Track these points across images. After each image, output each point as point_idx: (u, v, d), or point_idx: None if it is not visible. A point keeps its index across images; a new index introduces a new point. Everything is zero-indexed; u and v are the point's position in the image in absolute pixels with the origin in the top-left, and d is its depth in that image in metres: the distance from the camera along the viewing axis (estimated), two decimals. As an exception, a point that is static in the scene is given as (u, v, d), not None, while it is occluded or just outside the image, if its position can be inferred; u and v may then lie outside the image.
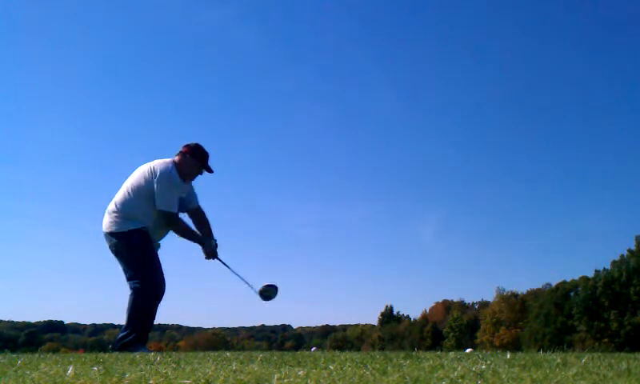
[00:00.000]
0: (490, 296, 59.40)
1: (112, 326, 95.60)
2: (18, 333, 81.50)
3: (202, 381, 1.27)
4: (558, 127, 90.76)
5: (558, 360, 1.93)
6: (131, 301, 4.15)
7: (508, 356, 2.14)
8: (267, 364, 1.73)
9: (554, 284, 45.56)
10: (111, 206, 4.31)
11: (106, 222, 4.29)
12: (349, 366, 1.62)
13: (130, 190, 4.28)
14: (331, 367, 1.59)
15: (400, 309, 69.93)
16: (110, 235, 4.25)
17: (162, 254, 4.32)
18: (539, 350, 2.71)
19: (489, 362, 1.81)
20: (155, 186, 4.21)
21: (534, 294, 48.61)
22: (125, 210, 4.26)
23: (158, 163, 4.34)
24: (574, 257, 77.88)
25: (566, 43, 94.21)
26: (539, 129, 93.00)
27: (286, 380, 1.27)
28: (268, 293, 4.29)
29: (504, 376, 1.37)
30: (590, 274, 39.13)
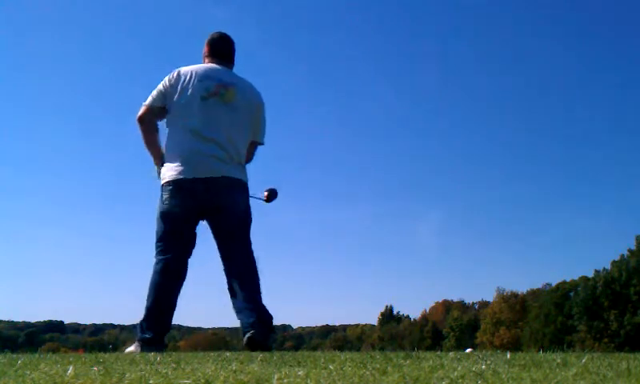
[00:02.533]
0: (490, 296, 59.47)
1: (112, 325, 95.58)
2: (17, 333, 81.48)
3: (202, 381, 1.26)
4: (558, 127, 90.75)
5: (558, 360, 1.93)
6: (255, 270, 3.16)
7: (508, 356, 2.14)
8: (267, 364, 1.72)
9: (554, 284, 45.59)
10: (221, 146, 3.11)
11: (226, 167, 3.14)
12: (349, 366, 1.61)
13: (246, 125, 3.26)
14: (331, 367, 1.58)
15: (400, 309, 70.10)
16: (243, 189, 3.22)
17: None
18: (539, 350, 2.71)
19: (489, 362, 1.81)
20: (263, 118, 3.37)
21: (534, 293, 48.59)
22: (242, 155, 3.26)
23: (238, 76, 3.35)
24: (574, 257, 77.96)
25: (568, 43, 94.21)
26: (539, 128, 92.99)
27: (286, 380, 1.27)
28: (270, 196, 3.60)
29: (504, 376, 1.37)
30: (590, 274, 39.12)
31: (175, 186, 3.10)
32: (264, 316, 3.02)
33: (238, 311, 3.06)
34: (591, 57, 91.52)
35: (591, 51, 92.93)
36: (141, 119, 3.24)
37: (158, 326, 3.09)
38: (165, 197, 3.14)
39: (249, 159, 3.39)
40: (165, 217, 3.15)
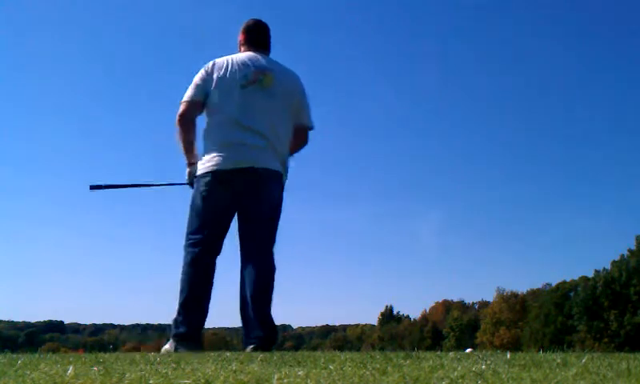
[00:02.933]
0: (490, 296, 59.43)
1: (112, 326, 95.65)
2: (17, 333, 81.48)
3: (202, 381, 1.26)
4: (557, 127, 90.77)
5: (558, 360, 1.93)
6: (270, 279, 3.03)
7: (508, 356, 2.13)
8: (267, 364, 1.72)
9: (554, 284, 45.60)
10: (262, 134, 3.03)
11: (265, 157, 3.04)
12: (349, 366, 1.61)
13: (286, 111, 3.17)
14: (331, 367, 1.58)
15: (400, 309, 70.09)
16: (279, 181, 3.12)
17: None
18: (539, 350, 2.71)
19: (489, 362, 1.81)
20: (305, 102, 3.28)
21: (534, 293, 48.58)
22: (284, 143, 3.18)
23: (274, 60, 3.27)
24: (574, 257, 77.96)
25: (567, 43, 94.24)
26: (539, 128, 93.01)
27: (285, 380, 1.27)
28: None
29: (504, 376, 1.37)
30: (590, 274, 39.12)
31: (214, 176, 3.00)
32: (271, 332, 2.95)
33: (245, 321, 2.99)
34: (591, 57, 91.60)
35: (591, 51, 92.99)
36: (182, 117, 3.11)
37: (192, 321, 2.98)
38: (202, 188, 3.03)
39: (300, 144, 3.31)
40: (200, 208, 3.04)
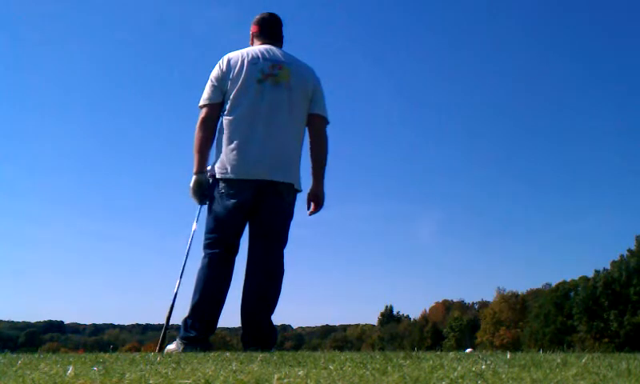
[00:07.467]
0: (490, 296, 59.54)
1: (112, 326, 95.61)
2: (18, 333, 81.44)
3: (202, 381, 1.26)
4: (557, 127, 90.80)
5: (558, 360, 1.93)
6: (278, 281, 3.01)
7: (508, 356, 2.14)
8: (267, 364, 1.72)
9: (554, 284, 45.62)
10: (278, 133, 3.00)
11: (281, 169, 3.00)
12: (349, 366, 1.61)
13: (302, 106, 3.12)
14: (331, 367, 1.58)
15: (400, 309, 70.16)
16: (288, 190, 3.05)
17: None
18: (539, 350, 2.71)
19: (489, 362, 1.81)
20: (320, 93, 3.20)
21: (534, 293, 48.63)
22: (299, 139, 3.15)
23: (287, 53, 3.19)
24: (574, 257, 77.99)
25: (565, 43, 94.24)
26: (539, 129, 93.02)
27: (285, 380, 1.27)
28: None
29: (504, 376, 1.37)
30: (590, 274, 39.16)
31: (233, 175, 2.94)
32: (270, 335, 2.95)
33: (246, 321, 2.97)
34: (590, 57, 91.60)
35: (589, 51, 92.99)
36: (205, 121, 3.03)
37: (203, 324, 2.92)
38: (221, 187, 2.97)
39: (318, 135, 3.17)
40: (219, 208, 2.97)
